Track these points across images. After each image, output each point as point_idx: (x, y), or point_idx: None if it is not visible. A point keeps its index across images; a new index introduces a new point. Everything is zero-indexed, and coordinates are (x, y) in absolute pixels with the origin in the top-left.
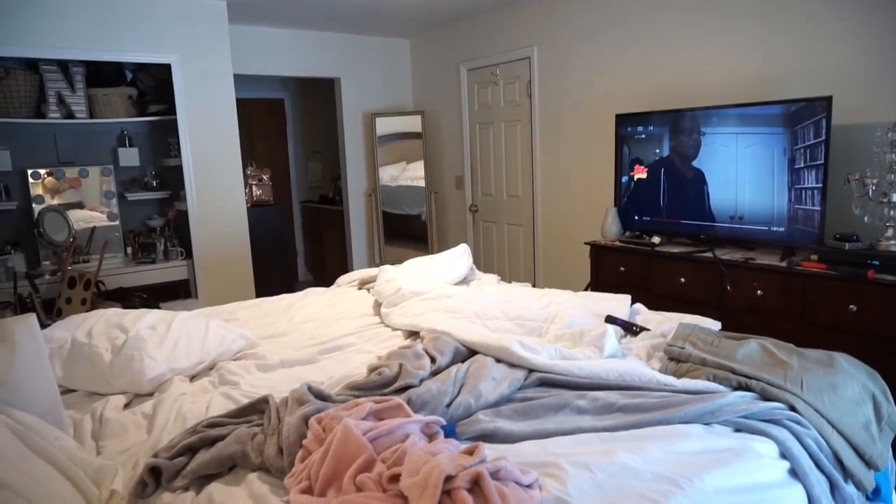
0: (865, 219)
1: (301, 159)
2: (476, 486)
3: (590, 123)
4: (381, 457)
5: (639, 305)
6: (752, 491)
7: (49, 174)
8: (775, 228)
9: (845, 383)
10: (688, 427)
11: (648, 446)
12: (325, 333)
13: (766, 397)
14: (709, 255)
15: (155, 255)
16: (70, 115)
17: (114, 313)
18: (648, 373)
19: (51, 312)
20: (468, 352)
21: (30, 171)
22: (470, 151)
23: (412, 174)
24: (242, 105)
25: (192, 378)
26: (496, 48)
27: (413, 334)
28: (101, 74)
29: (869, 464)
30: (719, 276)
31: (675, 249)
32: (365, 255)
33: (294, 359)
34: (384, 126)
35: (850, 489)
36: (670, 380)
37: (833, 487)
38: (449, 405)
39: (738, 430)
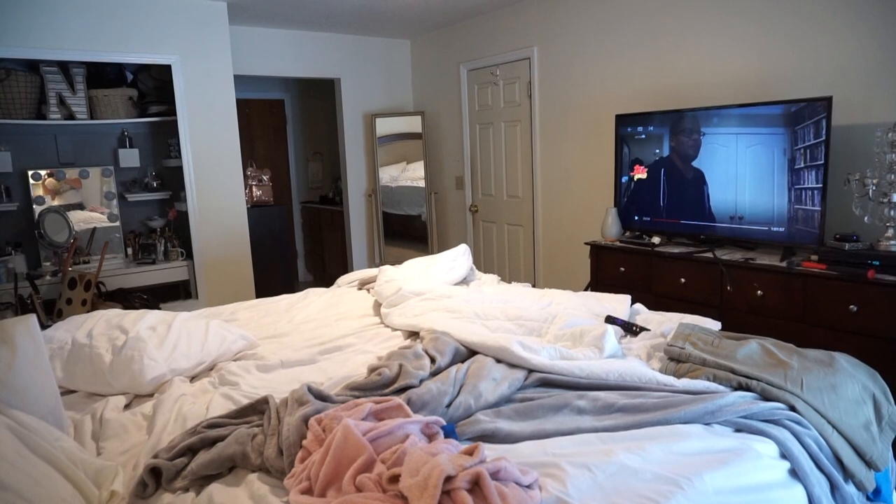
0: (865, 219)
1: (301, 160)
2: (476, 486)
3: (590, 123)
4: (381, 457)
5: (639, 305)
6: (752, 491)
7: (50, 175)
8: (775, 229)
9: (845, 383)
10: (688, 427)
11: (648, 446)
12: (324, 334)
13: (766, 397)
14: (709, 255)
15: (155, 255)
16: (71, 116)
17: (114, 314)
18: (648, 373)
19: (51, 313)
20: (468, 352)
21: (30, 172)
22: (470, 152)
23: (412, 174)
24: (243, 105)
25: (193, 379)
26: (496, 48)
27: (413, 334)
28: (102, 75)
29: (869, 464)
30: (719, 276)
31: (676, 249)
32: (365, 256)
33: (294, 359)
34: (384, 126)
35: (850, 489)
36: (670, 380)
37: (833, 488)
38: (449, 405)
39: (738, 430)
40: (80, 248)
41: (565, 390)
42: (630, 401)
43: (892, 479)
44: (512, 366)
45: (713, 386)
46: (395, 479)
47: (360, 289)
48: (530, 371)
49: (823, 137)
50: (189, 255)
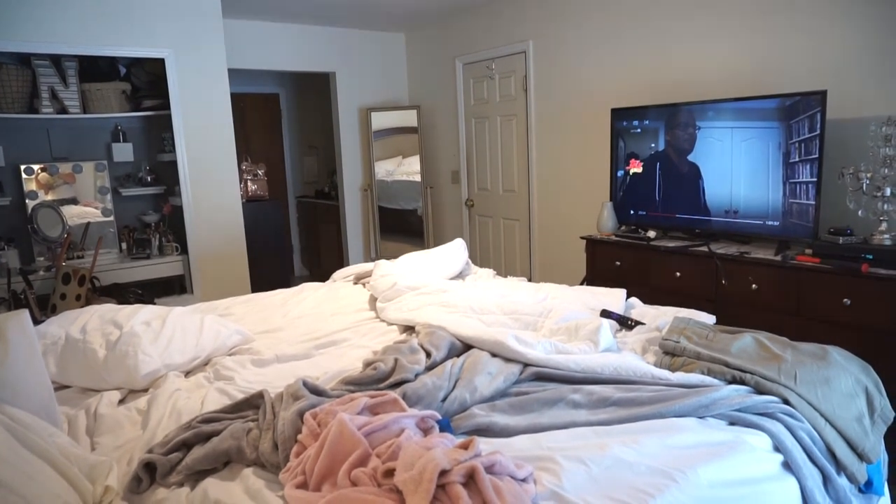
0: (859, 213)
1: (296, 154)
2: (471, 480)
3: (585, 118)
4: (377, 451)
5: (634, 299)
6: (745, 484)
7: (42, 170)
8: (770, 222)
9: (838, 376)
10: (682, 421)
11: (643, 440)
12: (320, 328)
13: (760, 391)
14: (704, 249)
15: (150, 250)
16: (63, 111)
17: (108, 309)
18: (643, 367)
19: (45, 308)
20: (463, 346)
21: (23, 167)
22: (466, 146)
23: (408, 169)
24: (237, 100)
25: (187, 373)
26: (492, 42)
27: (408, 329)
28: (95, 69)
29: (861, 456)
30: (714, 270)
31: (671, 244)
32: (361, 250)
33: (289, 354)
34: (380, 121)
35: (842, 482)
36: (665, 374)
37: (826, 480)
38: (444, 400)
39: (732, 423)
40: (73, 244)
41: (560, 384)
42: (625, 395)
43: (883, 472)
44: (507, 360)
45: (707, 379)
46: (390, 473)
47: (355, 283)
48: (526, 365)
49: (818, 131)
50: (184, 250)
